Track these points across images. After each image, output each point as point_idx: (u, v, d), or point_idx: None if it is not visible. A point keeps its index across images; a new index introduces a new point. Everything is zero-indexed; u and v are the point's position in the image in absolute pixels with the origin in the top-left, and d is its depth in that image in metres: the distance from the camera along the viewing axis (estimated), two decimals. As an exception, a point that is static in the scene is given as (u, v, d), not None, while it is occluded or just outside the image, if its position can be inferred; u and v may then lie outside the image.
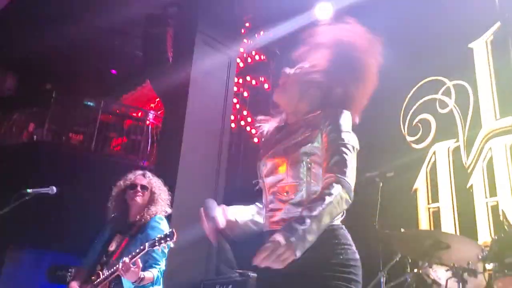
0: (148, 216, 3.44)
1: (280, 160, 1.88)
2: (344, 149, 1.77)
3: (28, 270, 7.93)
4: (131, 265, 3.00)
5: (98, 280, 3.22)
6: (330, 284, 1.72)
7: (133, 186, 3.52)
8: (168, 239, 3.02)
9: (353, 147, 1.81)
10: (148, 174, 3.64)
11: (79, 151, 8.65)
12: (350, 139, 1.82)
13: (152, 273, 3.19)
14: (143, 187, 3.52)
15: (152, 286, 3.26)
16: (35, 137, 8.82)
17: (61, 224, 7.57)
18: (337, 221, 1.83)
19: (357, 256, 1.82)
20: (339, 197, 1.66)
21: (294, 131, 1.92)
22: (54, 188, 3.92)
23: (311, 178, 1.83)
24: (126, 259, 3.02)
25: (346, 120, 1.87)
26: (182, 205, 6.05)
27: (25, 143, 8.68)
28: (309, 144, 1.84)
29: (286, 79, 2.04)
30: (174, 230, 3.08)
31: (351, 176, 1.73)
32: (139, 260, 3.04)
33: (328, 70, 1.96)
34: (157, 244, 3.01)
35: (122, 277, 3.16)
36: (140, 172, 3.64)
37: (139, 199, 3.49)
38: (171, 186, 6.01)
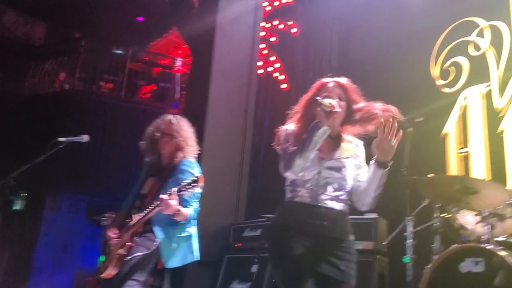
0: (178, 160, 3.50)
1: (341, 165, 2.49)
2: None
3: (67, 214, 8.28)
4: (170, 201, 3.09)
5: (132, 223, 3.34)
6: (348, 256, 2.39)
7: (161, 134, 3.58)
8: (193, 184, 3.06)
9: None
10: (177, 120, 3.64)
11: (110, 99, 8.76)
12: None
13: (187, 211, 3.28)
14: (171, 136, 3.55)
15: (185, 226, 3.38)
16: (67, 86, 8.97)
17: (96, 170, 7.81)
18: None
19: None
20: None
21: (351, 148, 2.56)
22: (86, 137, 4.01)
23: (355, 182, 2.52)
24: (164, 196, 3.10)
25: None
26: (211, 151, 6.14)
27: (58, 92, 8.84)
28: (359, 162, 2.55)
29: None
30: (199, 175, 3.11)
31: None
32: (174, 196, 3.12)
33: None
34: (183, 190, 3.07)
35: (154, 222, 3.30)
36: (169, 118, 3.65)
37: (167, 146, 3.55)
38: (199, 132, 6.15)
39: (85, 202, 8.44)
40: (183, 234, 3.39)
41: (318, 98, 2.37)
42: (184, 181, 3.10)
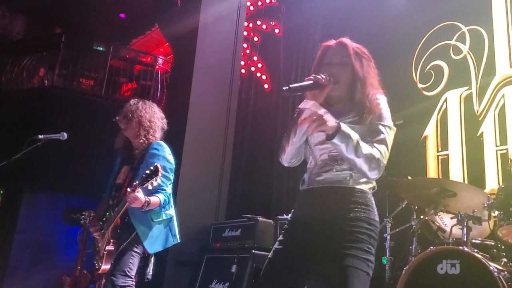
0: (144, 143, 3.51)
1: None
2: (383, 129, 2.10)
3: (44, 212, 8.14)
4: (136, 194, 3.12)
5: (111, 216, 3.41)
6: (354, 236, 2.00)
7: (121, 117, 3.59)
8: (153, 176, 3.08)
9: (390, 128, 2.13)
10: (135, 102, 3.65)
11: (90, 96, 8.65)
12: (389, 120, 2.14)
13: (158, 198, 3.31)
14: (130, 117, 3.55)
15: (161, 211, 3.41)
16: (46, 82, 8.84)
17: (74, 168, 7.72)
18: (367, 188, 2.13)
19: (378, 219, 2.11)
20: (374, 157, 2.01)
21: (344, 112, 2.15)
22: (65, 134, 3.97)
23: None
24: (129, 190, 3.14)
25: (385, 104, 2.17)
26: (192, 150, 6.13)
27: (37, 88, 8.71)
28: (358, 126, 2.09)
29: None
30: (158, 164, 3.11)
31: (387, 155, 2.08)
32: (139, 189, 3.14)
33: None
34: (144, 181, 3.09)
35: (130, 212, 3.34)
36: (129, 102, 3.68)
37: (128, 128, 3.56)
38: (181, 131, 6.12)
39: (64, 200, 8.32)
40: (162, 218, 3.43)
41: (284, 88, 2.00)
42: (147, 171, 3.11)
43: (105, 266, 3.36)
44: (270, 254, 2.17)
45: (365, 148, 1.99)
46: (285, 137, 2.21)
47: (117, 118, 3.60)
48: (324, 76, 2.08)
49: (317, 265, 2.02)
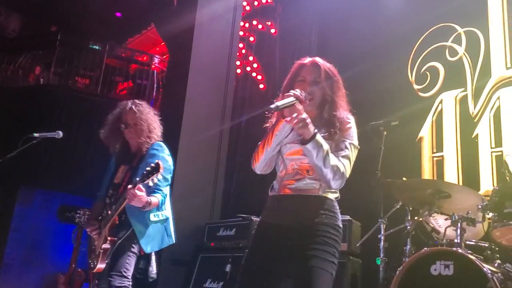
0: (146, 145, 3.51)
1: (298, 147, 2.27)
2: (348, 146, 2.29)
3: (38, 210, 8.14)
4: (136, 192, 3.11)
5: (108, 215, 3.38)
6: (320, 239, 2.19)
7: (125, 124, 3.54)
8: (154, 172, 3.07)
9: (355, 146, 2.32)
10: (136, 107, 3.60)
11: (85, 94, 8.65)
12: (355, 139, 2.33)
13: (156, 198, 3.32)
14: (135, 124, 3.52)
15: (157, 211, 3.41)
16: (41, 80, 8.82)
17: (69, 167, 7.71)
18: (334, 197, 2.32)
19: (341, 225, 2.31)
20: (339, 169, 2.20)
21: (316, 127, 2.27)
22: (60, 133, 3.96)
23: None
24: (130, 187, 3.13)
25: (354, 124, 2.35)
26: (187, 149, 6.12)
27: (32, 86, 8.70)
28: (327, 141, 2.23)
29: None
30: (159, 162, 3.11)
31: (349, 169, 2.28)
32: (141, 186, 3.13)
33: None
34: (145, 178, 3.08)
35: (127, 210, 3.32)
36: (129, 106, 3.61)
37: (132, 135, 3.54)
38: (176, 130, 6.12)
39: (58, 198, 8.31)
40: (158, 218, 3.43)
41: (271, 106, 2.11)
42: (147, 168, 3.11)
43: (101, 265, 3.34)
44: (243, 261, 2.33)
45: (333, 160, 2.19)
46: (260, 147, 2.34)
47: (121, 126, 3.55)
48: (301, 93, 2.21)
49: (287, 266, 2.21)
